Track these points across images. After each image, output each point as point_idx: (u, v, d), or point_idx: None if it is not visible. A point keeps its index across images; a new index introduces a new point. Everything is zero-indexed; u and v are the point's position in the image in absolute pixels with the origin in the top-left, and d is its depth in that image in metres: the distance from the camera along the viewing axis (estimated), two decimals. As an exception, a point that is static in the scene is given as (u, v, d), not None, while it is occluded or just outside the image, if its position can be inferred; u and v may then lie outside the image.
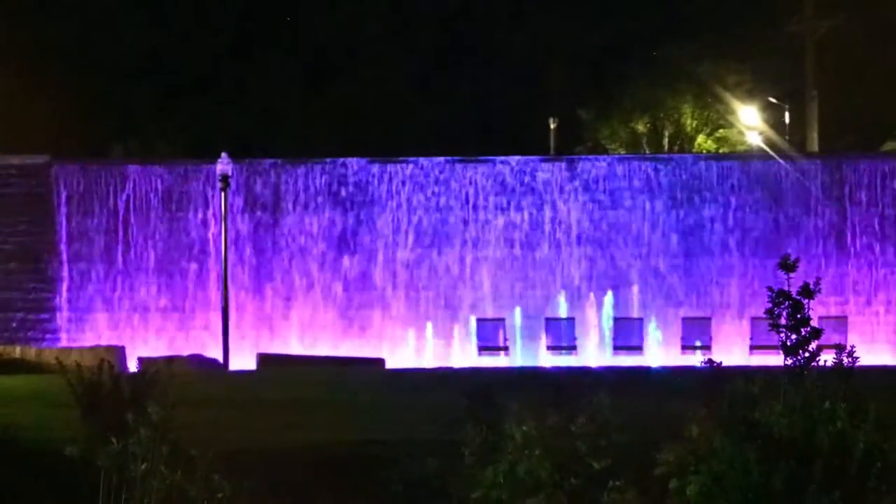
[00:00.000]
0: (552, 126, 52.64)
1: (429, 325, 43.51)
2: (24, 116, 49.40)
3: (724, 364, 11.34)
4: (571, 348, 42.38)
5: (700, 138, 59.20)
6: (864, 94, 57.41)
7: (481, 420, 12.73)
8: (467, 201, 44.18)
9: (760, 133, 55.91)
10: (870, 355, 35.10)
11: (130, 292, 43.51)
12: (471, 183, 44.29)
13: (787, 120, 58.07)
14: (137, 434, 11.48)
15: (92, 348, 37.68)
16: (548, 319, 43.17)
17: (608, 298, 43.44)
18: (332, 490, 14.11)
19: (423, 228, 44.12)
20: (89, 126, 51.95)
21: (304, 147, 48.71)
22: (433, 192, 44.27)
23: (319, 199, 44.09)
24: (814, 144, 57.03)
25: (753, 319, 41.16)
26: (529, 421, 12.10)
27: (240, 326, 42.56)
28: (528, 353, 42.32)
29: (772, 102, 58.37)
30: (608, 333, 42.89)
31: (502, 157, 44.80)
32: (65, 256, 43.46)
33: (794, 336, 10.79)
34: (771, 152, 47.51)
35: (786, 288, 10.78)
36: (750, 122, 57.51)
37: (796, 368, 10.76)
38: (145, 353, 39.55)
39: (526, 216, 44.17)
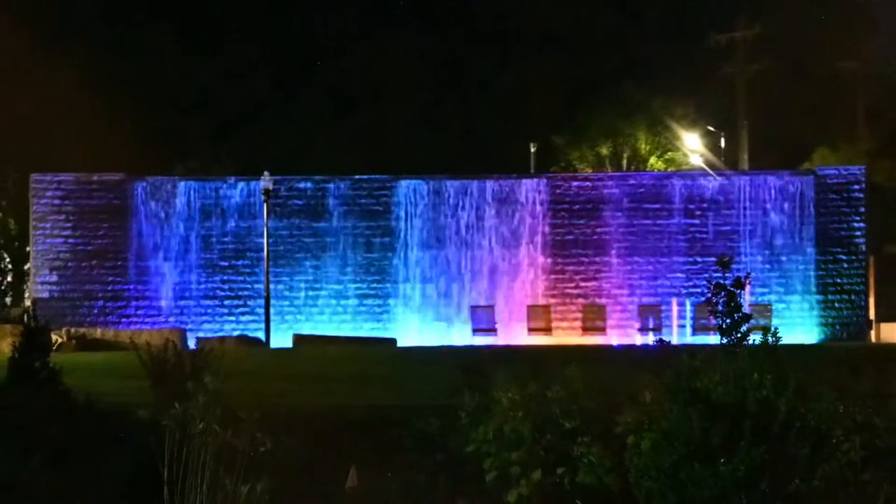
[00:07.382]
0: (532, 150, 52.53)
1: (433, 311, 43.47)
2: (103, 141, 49.43)
3: (672, 342, 11.37)
4: (548, 330, 42.37)
5: (652, 159, 59.05)
6: (786, 123, 57.75)
7: (474, 388, 12.76)
8: (464, 211, 44.11)
9: (701, 155, 56.00)
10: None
11: (192, 284, 43.42)
12: (467, 196, 44.24)
13: (722, 144, 58.28)
14: (196, 400, 11.51)
15: (159, 330, 37.67)
16: (529, 306, 43.15)
17: (578, 289, 43.43)
18: (354, 445, 14.12)
19: (428, 232, 44.06)
20: (156, 150, 51.81)
21: (332, 166, 48.57)
22: (436, 203, 44.21)
23: (345, 208, 44.03)
24: (745, 164, 57.20)
25: (696, 305, 41.13)
26: (513, 389, 12.13)
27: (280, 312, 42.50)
28: (513, 333, 42.28)
29: (710, 130, 58.39)
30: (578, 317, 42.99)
31: (492, 175, 44.76)
32: (136, 254, 43.42)
33: (728, 320, 10.82)
34: (708, 170, 47.47)
35: (722, 280, 10.83)
36: (693, 146, 57.57)
37: (730, 346, 10.79)
38: (202, 335, 39.62)
39: (514, 223, 44.08)
